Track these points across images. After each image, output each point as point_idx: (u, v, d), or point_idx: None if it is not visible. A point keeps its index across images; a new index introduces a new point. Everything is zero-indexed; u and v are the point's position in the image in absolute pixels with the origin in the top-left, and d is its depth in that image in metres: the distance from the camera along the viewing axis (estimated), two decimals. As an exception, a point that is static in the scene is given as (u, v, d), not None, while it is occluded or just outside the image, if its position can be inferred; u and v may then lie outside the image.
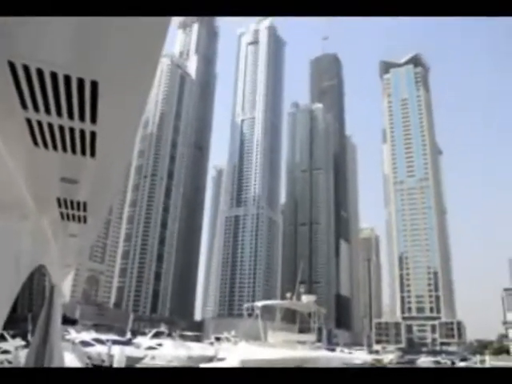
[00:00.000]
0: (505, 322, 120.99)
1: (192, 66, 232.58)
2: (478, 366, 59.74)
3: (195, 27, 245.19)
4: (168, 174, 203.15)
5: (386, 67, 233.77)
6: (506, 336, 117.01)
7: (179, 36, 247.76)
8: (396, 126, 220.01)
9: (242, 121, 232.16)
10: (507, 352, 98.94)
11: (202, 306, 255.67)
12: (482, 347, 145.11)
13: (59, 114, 2.27)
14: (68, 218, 4.65)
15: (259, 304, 39.63)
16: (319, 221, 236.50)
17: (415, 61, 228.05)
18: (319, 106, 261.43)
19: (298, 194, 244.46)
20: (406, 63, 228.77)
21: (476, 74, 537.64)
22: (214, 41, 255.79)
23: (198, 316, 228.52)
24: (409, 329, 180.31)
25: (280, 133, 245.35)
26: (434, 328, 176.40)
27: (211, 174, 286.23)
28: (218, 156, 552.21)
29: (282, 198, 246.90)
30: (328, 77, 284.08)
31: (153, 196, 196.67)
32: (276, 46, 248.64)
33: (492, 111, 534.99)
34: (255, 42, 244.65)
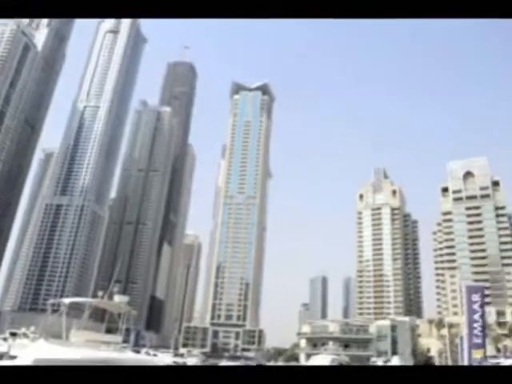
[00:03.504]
0: (299, 333, 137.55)
1: (40, 38, 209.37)
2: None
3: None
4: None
5: (237, 89, 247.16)
6: (298, 345, 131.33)
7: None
8: (236, 145, 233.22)
9: (85, 107, 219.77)
10: (296, 359, 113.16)
11: (1, 297, 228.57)
12: (277, 354, 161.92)
13: None
14: None
15: (66, 300, 39.83)
16: (146, 222, 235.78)
17: (264, 89, 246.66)
18: (167, 109, 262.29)
19: (129, 192, 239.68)
20: (256, 89, 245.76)
21: (316, 113, 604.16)
22: (71, 19, 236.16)
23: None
24: (215, 334, 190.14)
25: (123, 128, 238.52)
26: (237, 335, 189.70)
27: (38, 155, 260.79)
28: (50, 139, 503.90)
29: (113, 193, 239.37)
30: (181, 83, 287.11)
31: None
32: (136, 40, 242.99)
33: (324, 149, 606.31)
34: (115, 32, 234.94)
